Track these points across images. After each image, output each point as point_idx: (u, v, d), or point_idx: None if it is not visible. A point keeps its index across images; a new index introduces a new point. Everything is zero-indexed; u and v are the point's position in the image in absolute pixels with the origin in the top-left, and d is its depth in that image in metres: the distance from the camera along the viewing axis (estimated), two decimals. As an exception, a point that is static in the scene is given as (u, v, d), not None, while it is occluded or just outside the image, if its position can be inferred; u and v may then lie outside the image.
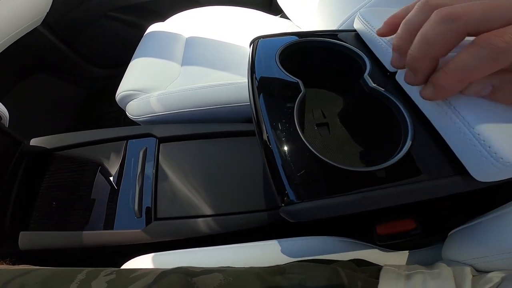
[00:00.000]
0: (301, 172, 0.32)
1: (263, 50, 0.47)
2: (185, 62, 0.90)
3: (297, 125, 0.35)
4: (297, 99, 0.38)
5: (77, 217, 0.65)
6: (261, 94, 0.39)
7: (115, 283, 0.33)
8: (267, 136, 0.35)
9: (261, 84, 0.42)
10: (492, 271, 0.35)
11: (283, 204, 0.32)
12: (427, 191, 0.31)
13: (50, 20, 1.12)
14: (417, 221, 0.49)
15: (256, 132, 0.38)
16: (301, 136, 0.34)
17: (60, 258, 0.70)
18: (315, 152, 0.33)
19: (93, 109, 1.41)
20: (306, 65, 0.49)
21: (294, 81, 0.41)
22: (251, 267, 0.40)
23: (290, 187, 0.31)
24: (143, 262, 0.51)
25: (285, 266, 0.40)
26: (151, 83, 0.80)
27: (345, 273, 0.37)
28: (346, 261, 0.42)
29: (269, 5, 1.38)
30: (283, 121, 0.36)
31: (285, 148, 0.34)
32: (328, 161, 0.32)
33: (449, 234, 0.47)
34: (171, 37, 0.98)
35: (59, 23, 1.17)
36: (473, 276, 0.37)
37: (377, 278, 0.37)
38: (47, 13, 1.06)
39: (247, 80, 0.44)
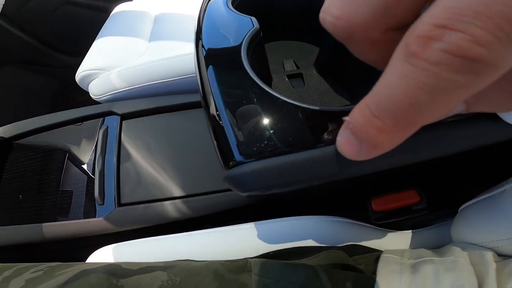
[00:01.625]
0: (256, 123, 0.23)
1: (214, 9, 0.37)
2: (153, 38, 0.85)
3: (245, 63, 0.26)
4: (246, 35, 0.29)
5: (33, 209, 0.59)
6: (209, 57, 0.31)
7: (33, 281, 0.30)
8: (208, 79, 0.26)
9: (208, 39, 0.32)
10: None
11: (227, 168, 0.23)
12: (440, 139, 0.22)
13: (8, 13, 1.08)
14: (420, 193, 0.40)
15: (198, 82, 0.29)
16: (251, 76, 0.25)
17: (23, 254, 0.64)
18: (272, 91, 0.24)
19: (69, 98, 1.36)
20: (269, 13, 0.39)
21: (246, 18, 0.32)
22: (212, 261, 0.35)
23: (238, 144, 0.23)
24: (105, 254, 0.46)
25: (252, 261, 0.33)
26: (113, 60, 0.76)
27: (327, 275, 0.29)
28: (334, 251, 0.36)
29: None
30: (230, 64, 0.27)
31: (232, 95, 0.25)
32: (293, 101, 0.23)
33: (460, 209, 0.40)
34: (138, 15, 0.94)
35: (18, 14, 1.12)
36: (495, 262, 0.30)
37: (374, 272, 0.31)
38: (3, 6, 1.02)
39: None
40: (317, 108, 0.23)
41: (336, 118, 0.22)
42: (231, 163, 0.23)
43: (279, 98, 0.24)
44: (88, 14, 1.24)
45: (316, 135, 0.22)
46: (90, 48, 0.84)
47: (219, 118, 0.25)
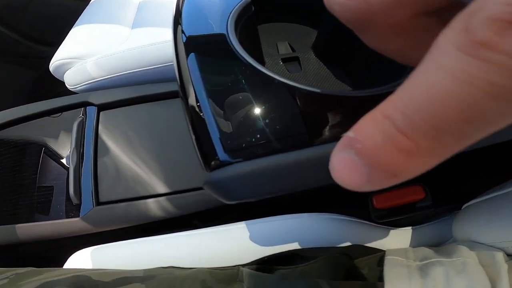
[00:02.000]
0: (246, 112, 0.20)
1: None
2: (136, 25, 0.81)
3: (232, 39, 0.22)
4: (236, 7, 0.24)
5: (8, 209, 0.55)
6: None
7: None
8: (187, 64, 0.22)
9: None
10: None
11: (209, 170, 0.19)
12: None
13: (-18, 3, 1.04)
14: (426, 189, 0.37)
15: (175, 68, 0.25)
16: (240, 52, 0.21)
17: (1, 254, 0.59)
18: (266, 71, 0.20)
19: (48, 89, 1.29)
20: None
21: None
22: (199, 269, 0.33)
23: (222, 139, 0.19)
24: (84, 257, 0.43)
25: (244, 271, 0.30)
26: (90, 49, 0.72)
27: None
28: (335, 255, 0.33)
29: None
30: (215, 43, 0.23)
31: (216, 79, 0.21)
32: (297, 84, 0.19)
33: (464, 206, 0.38)
34: (119, 2, 0.89)
35: (-7, 4, 1.08)
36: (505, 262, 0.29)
37: (379, 276, 0.29)
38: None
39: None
40: (329, 92, 0.18)
41: (355, 105, 0.18)
42: (213, 162, 0.19)
43: (276, 79, 0.20)
44: (67, 2, 1.20)
45: (325, 127, 0.18)
46: (66, 37, 0.79)
47: (200, 109, 0.21)
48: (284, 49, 0.34)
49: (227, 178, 0.19)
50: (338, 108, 0.19)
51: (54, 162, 0.59)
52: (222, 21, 0.24)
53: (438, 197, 0.37)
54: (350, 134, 0.09)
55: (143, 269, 0.34)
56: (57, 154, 0.58)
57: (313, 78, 0.30)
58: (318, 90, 0.19)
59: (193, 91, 0.21)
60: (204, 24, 0.26)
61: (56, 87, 1.28)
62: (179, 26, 0.27)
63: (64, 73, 0.72)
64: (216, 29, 0.24)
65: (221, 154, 0.19)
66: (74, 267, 0.43)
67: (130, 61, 0.66)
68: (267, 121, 0.19)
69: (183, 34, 0.26)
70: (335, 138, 0.18)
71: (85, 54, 0.70)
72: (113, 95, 0.61)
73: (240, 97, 0.20)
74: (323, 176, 0.17)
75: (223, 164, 0.19)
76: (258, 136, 0.18)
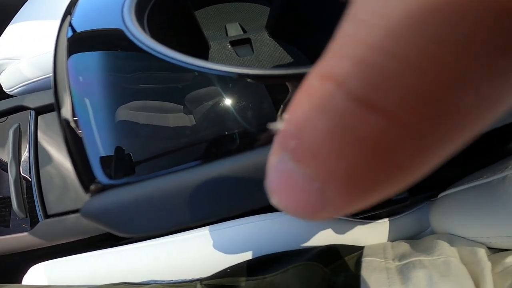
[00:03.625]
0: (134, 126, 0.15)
1: None
2: None
3: (129, 28, 0.17)
4: None
5: None
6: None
7: None
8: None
9: None
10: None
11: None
12: None
13: None
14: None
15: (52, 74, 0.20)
16: (128, 34, 0.17)
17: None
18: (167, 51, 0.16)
19: None
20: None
21: None
22: (153, 285, 0.32)
23: (104, 160, 0.14)
24: (40, 272, 0.42)
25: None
26: (27, 47, 0.66)
27: None
28: (306, 264, 0.31)
29: None
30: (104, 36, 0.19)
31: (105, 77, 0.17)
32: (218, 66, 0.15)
33: (441, 195, 0.36)
34: None
35: None
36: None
37: (357, 282, 0.27)
38: None
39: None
40: (258, 71, 0.14)
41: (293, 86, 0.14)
42: (92, 186, 0.15)
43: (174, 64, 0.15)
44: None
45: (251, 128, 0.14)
46: (0, 36, 0.73)
47: (76, 124, 0.16)
48: (234, 31, 0.29)
49: (108, 207, 0.14)
50: (266, 96, 0.14)
51: (4, 170, 0.53)
52: (116, 7, 0.19)
53: (413, 186, 0.34)
54: (277, 124, 0.06)
55: (88, 285, 0.30)
56: (0, 164, 0.52)
57: (266, 61, 0.26)
58: (247, 71, 0.14)
59: (69, 99, 0.17)
60: (99, 12, 0.21)
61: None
62: (68, 16, 0.22)
63: (-1, 76, 0.66)
64: (111, 19, 0.19)
65: (100, 176, 0.14)
66: (30, 283, 0.42)
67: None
68: (160, 134, 0.15)
69: (69, 27, 0.21)
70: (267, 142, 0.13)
71: (20, 54, 0.64)
72: (51, 96, 0.54)
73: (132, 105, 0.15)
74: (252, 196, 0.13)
75: (104, 188, 0.14)
76: (155, 151, 0.14)
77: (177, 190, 0.13)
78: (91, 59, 0.18)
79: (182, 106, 0.15)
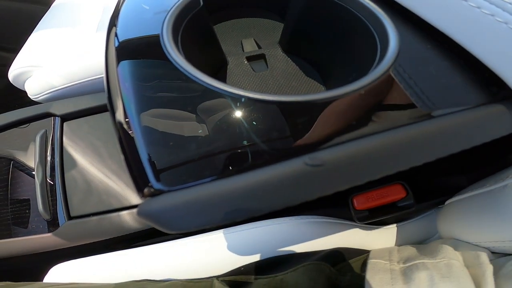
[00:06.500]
0: (182, 133, 0.17)
1: None
2: (102, 28, 0.77)
3: (167, 41, 0.20)
4: (174, 6, 0.22)
5: None
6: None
7: None
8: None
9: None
10: None
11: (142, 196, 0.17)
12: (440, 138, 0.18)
13: None
14: (406, 187, 0.36)
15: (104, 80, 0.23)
16: (174, 57, 0.19)
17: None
18: (207, 79, 0.18)
19: (16, 98, 1.23)
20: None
21: None
22: (172, 283, 0.32)
23: (156, 162, 0.16)
24: (63, 271, 0.43)
25: (217, 284, 0.28)
26: (51, 55, 0.68)
27: None
28: (314, 264, 0.32)
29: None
30: (148, 49, 0.21)
31: (149, 92, 0.19)
32: (242, 92, 0.17)
33: (448, 202, 0.36)
34: (82, 5, 0.85)
35: None
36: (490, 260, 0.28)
37: (363, 285, 0.28)
38: None
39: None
40: (287, 99, 0.16)
41: (314, 110, 0.16)
42: (146, 190, 0.17)
43: (218, 88, 0.18)
44: (27, 7, 1.14)
45: (283, 141, 0.16)
46: (24, 45, 0.75)
47: (129, 127, 0.18)
48: (249, 46, 0.31)
49: (162, 209, 0.16)
50: (294, 118, 0.16)
51: (23, 176, 0.56)
52: (158, 20, 0.22)
53: (419, 193, 0.36)
54: None
55: (114, 283, 0.32)
56: (26, 168, 0.55)
57: (280, 76, 0.28)
58: (268, 98, 0.16)
59: (121, 104, 0.19)
60: (140, 25, 0.23)
61: (24, 96, 1.23)
62: (114, 28, 0.25)
63: (24, 82, 0.69)
64: (151, 30, 0.22)
65: (154, 182, 0.16)
66: (51, 281, 0.42)
67: (93, 67, 0.62)
68: (209, 140, 0.17)
69: (116, 38, 0.23)
70: (294, 154, 0.15)
71: (45, 61, 0.66)
72: (76, 104, 0.57)
73: (177, 112, 0.18)
74: (288, 196, 0.15)
75: (157, 192, 0.16)
76: (201, 158, 0.16)
77: (222, 194, 0.15)
78: (137, 65, 0.21)
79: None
